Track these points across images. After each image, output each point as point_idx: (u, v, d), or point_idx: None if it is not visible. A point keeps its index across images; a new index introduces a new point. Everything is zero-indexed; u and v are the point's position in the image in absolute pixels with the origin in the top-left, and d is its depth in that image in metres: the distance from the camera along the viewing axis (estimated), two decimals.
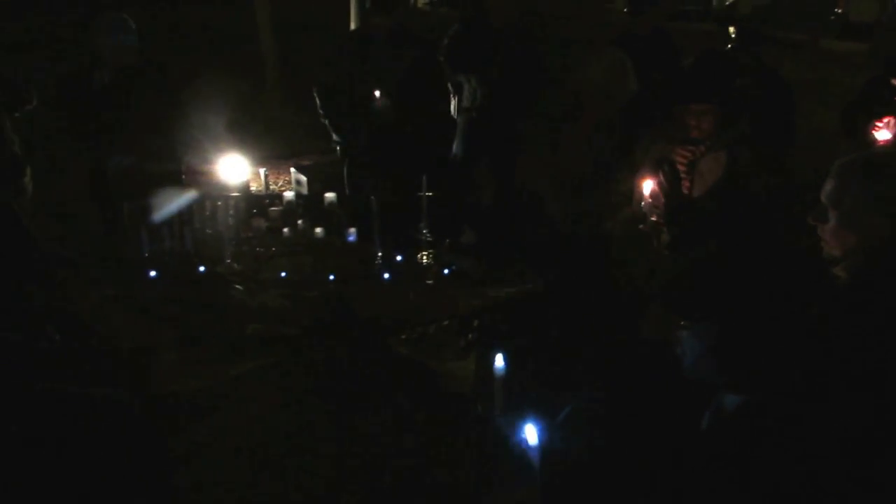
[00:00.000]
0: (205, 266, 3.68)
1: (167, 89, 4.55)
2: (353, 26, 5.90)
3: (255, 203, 4.27)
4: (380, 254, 3.70)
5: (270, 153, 6.33)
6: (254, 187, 5.03)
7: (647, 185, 2.97)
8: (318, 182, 5.16)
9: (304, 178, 5.24)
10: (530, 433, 2.28)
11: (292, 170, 5.40)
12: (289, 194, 4.10)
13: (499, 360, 2.61)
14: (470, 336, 3.47)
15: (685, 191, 2.99)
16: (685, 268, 2.74)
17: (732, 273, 2.62)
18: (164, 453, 2.91)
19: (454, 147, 4.92)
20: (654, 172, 3.00)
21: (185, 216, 3.82)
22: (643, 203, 2.99)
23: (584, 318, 3.20)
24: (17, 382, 3.10)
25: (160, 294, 3.57)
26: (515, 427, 2.46)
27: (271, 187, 5.76)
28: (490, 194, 4.04)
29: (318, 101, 4.75)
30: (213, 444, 2.93)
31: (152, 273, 3.60)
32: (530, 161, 4.09)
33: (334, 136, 4.81)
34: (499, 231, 3.90)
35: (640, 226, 2.99)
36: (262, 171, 5.14)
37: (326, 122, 4.78)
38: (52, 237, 4.19)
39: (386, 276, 3.65)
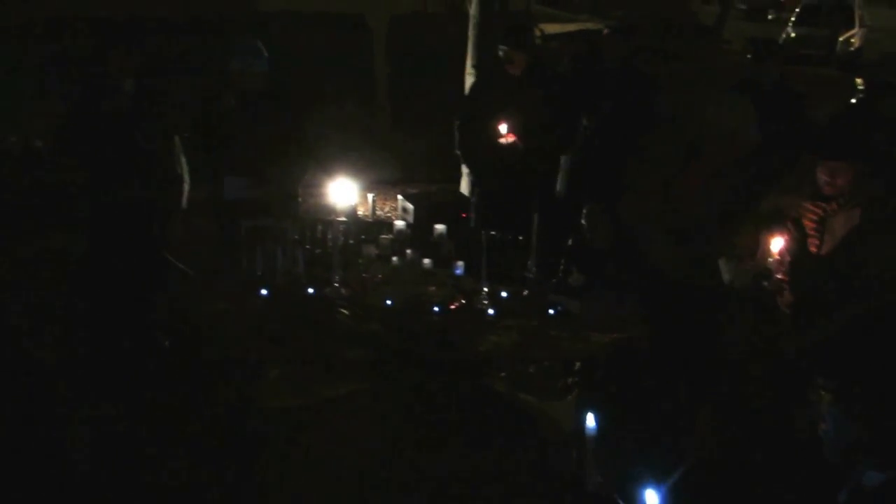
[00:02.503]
0: (314, 288, 3.76)
1: (288, 114, 4.71)
2: (469, 56, 5.95)
3: (363, 228, 4.35)
4: (486, 289, 3.69)
5: (378, 178, 6.46)
6: (361, 212, 5.14)
7: (775, 241, 2.85)
8: (424, 210, 5.23)
9: (410, 207, 5.31)
10: (651, 499, 2.17)
11: (399, 197, 5.49)
12: (399, 224, 4.16)
13: (590, 421, 2.52)
14: (570, 379, 3.41)
15: (813, 249, 2.85)
16: (832, 332, 2.59)
17: (883, 341, 2.45)
18: (260, 465, 2.99)
19: (560, 185, 4.88)
20: (780, 227, 2.88)
21: (298, 238, 3.93)
22: (768, 259, 2.87)
23: (691, 375, 3.10)
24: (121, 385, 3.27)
25: (269, 312, 3.68)
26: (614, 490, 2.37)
27: (378, 213, 5.88)
28: (600, 236, 3.96)
29: (456, 135, 4.80)
30: (306, 460, 2.98)
31: (264, 291, 3.71)
32: (639, 205, 4.01)
33: (467, 170, 4.86)
34: (607, 275, 3.83)
35: (764, 283, 2.87)
36: (370, 196, 5.25)
37: (461, 154, 4.83)
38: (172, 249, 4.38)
39: (490, 311, 3.63)
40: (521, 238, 3.90)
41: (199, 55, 5.62)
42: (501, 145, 4.42)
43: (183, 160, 4.32)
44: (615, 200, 4.23)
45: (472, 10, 5.95)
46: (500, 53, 4.55)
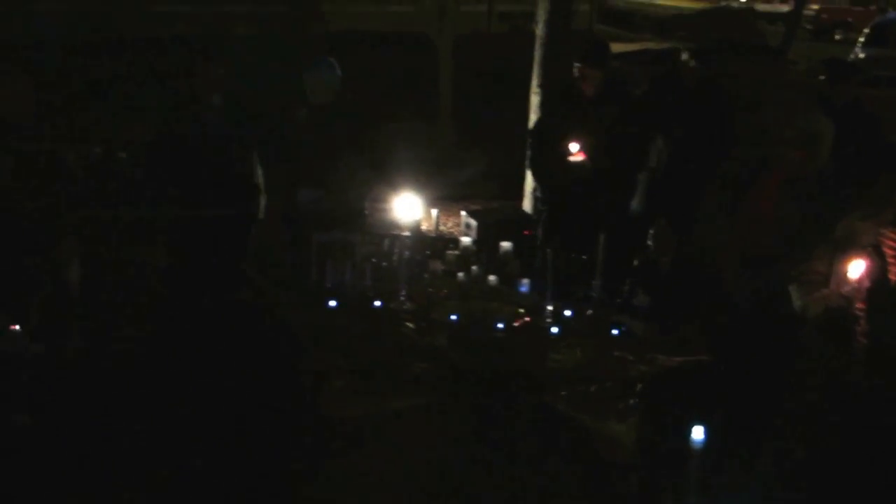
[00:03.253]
0: (380, 301, 3.83)
1: (356, 129, 4.82)
2: (535, 75, 5.99)
3: (428, 243, 4.41)
4: (550, 307, 3.70)
5: (442, 194, 6.52)
6: (424, 227, 5.20)
7: (853, 268, 2.79)
8: (487, 227, 5.27)
9: (473, 223, 5.35)
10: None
11: (463, 213, 5.54)
12: (465, 240, 4.21)
13: (697, 434, 2.49)
14: (632, 401, 3.39)
15: (893, 278, 2.78)
16: None
17: None
18: (321, 473, 3.05)
19: (633, 204, 4.87)
20: (857, 252, 2.82)
21: (366, 252, 4.01)
22: (846, 287, 2.81)
23: (761, 405, 3.05)
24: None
25: (337, 323, 3.76)
26: None
27: (441, 228, 5.95)
28: (668, 257, 3.94)
29: (528, 152, 4.85)
30: (368, 472, 3.04)
31: (332, 303, 3.79)
32: (710, 227, 3.96)
33: (538, 187, 4.90)
34: (674, 297, 3.79)
35: (839, 311, 2.81)
36: (434, 211, 5.31)
37: (532, 171, 4.87)
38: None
39: (554, 329, 3.64)
40: (586, 257, 3.90)
41: (276, 69, 5.80)
42: (570, 163, 4.44)
43: (259, 171, 4.47)
44: (685, 222, 4.20)
45: (539, 29, 5.99)
46: (575, 71, 4.57)
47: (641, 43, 17.28)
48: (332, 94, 4.64)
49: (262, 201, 4.51)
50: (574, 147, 4.43)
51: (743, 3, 22.86)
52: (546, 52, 5.90)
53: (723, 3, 21.73)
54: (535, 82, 6.01)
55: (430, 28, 7.69)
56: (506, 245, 4.12)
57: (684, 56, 4.85)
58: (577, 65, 4.57)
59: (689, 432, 2.55)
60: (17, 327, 3.20)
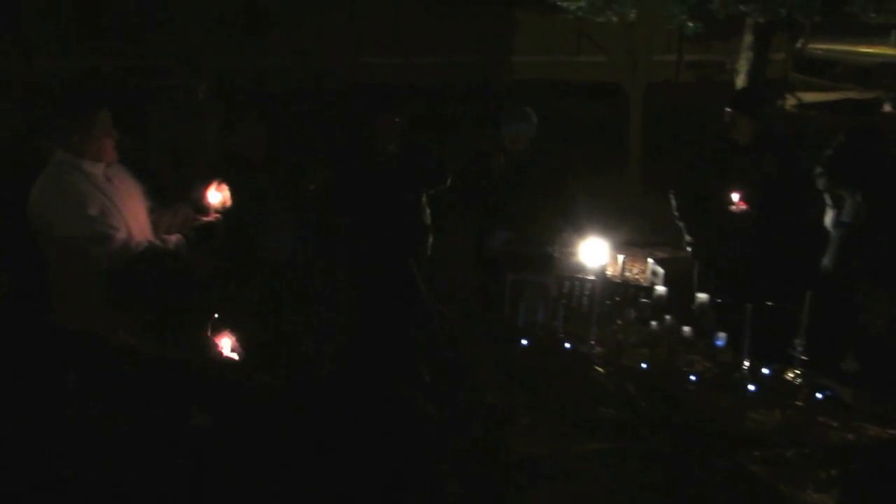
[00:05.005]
0: (570, 343, 3.89)
1: (548, 175, 4.96)
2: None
3: (618, 289, 4.42)
4: (747, 363, 3.59)
5: (628, 240, 6.52)
6: (609, 272, 5.21)
7: None
8: (675, 276, 5.19)
9: (661, 271, 5.28)
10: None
11: (650, 261, 5.49)
12: (660, 289, 4.18)
13: None
14: (834, 471, 3.20)
15: None
16: None
17: None
18: None
19: (827, 261, 4.63)
20: None
21: (558, 294, 4.10)
22: None
23: None
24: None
25: (526, 361, 3.86)
26: None
27: (626, 274, 5.92)
28: (882, 320, 3.70)
29: (673, 202, 4.82)
30: None
31: (524, 342, 3.90)
32: None
33: (686, 237, 4.84)
34: (889, 362, 3.55)
35: None
36: (620, 257, 5.31)
37: (681, 223, 4.82)
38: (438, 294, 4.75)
39: (751, 387, 3.52)
40: (789, 313, 3.75)
41: (472, 117, 6.14)
42: (732, 213, 4.35)
43: (427, 212, 4.74)
44: (891, 281, 3.94)
45: (739, 80, 5.89)
46: (727, 118, 4.50)
47: (842, 92, 16.32)
48: (527, 143, 4.82)
49: (430, 239, 4.76)
50: (735, 197, 4.34)
51: None
52: None
53: None
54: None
55: (622, 77, 7.76)
56: (702, 296, 4.05)
57: (886, 107, 4.58)
58: (728, 110, 4.49)
59: None
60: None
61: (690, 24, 6.29)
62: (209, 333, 2.03)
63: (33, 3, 10.50)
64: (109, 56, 10.20)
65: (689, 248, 4.92)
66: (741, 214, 4.44)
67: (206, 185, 3.50)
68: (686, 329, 3.84)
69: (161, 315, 1.86)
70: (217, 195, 3.46)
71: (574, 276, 4.45)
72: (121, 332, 1.96)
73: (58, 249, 3.06)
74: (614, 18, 6.76)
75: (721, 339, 3.71)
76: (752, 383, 3.53)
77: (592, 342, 3.88)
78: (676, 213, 4.87)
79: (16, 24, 10.43)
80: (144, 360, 1.87)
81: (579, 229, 4.85)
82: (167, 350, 1.91)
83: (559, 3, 6.69)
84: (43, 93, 8.71)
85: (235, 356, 2.25)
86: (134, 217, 3.26)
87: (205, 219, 3.40)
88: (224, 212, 3.48)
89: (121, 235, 3.08)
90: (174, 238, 3.28)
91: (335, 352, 4.17)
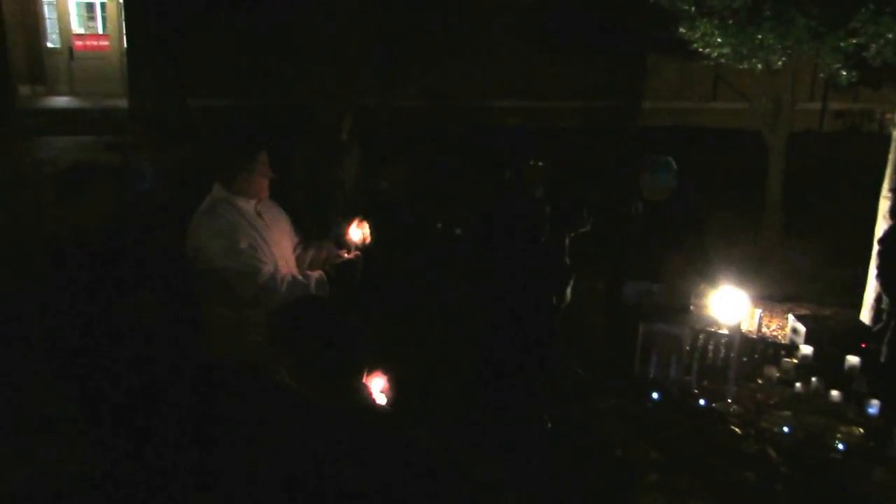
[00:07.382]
0: (705, 400, 3.73)
1: (686, 224, 4.82)
2: (887, 179, 5.53)
3: (757, 346, 4.21)
4: None
5: (765, 294, 6.21)
6: (745, 327, 4.98)
7: None
8: (819, 335, 4.88)
9: (802, 328, 5.00)
10: None
11: (790, 317, 5.20)
12: (806, 348, 3.94)
13: None
14: None
15: None
16: None
17: None
18: None
19: None
20: None
21: (692, 347, 3.95)
22: None
23: None
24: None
25: (657, 417, 3.73)
26: None
27: (763, 330, 5.62)
28: None
29: (876, 261, 4.54)
30: None
31: (655, 395, 3.78)
32: None
33: (885, 299, 4.55)
34: None
35: None
36: (757, 311, 5.05)
37: (881, 282, 4.54)
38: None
39: None
40: None
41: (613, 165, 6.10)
42: None
43: (570, 257, 4.71)
44: None
45: None
46: None
47: None
48: (668, 193, 4.71)
49: (571, 283, 4.70)
50: None
51: None
52: None
53: None
54: (886, 186, 5.53)
55: (762, 124, 7.47)
56: (852, 359, 3.78)
57: None
58: None
59: None
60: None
61: (844, 74, 5.95)
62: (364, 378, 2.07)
63: (189, 44, 11.36)
64: (255, 96, 10.87)
65: (882, 310, 4.64)
66: None
67: (348, 222, 3.60)
68: (835, 393, 3.59)
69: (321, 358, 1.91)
70: (358, 232, 3.55)
71: (709, 329, 4.27)
72: (283, 369, 2.01)
73: (211, 282, 3.23)
74: (759, 66, 6.51)
75: (874, 406, 3.45)
76: None
77: (729, 400, 3.70)
78: (878, 272, 4.60)
79: (175, 65, 11.30)
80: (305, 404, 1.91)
81: (715, 279, 4.67)
82: (323, 394, 1.96)
83: (700, 50, 6.52)
84: (194, 130, 9.35)
85: (384, 398, 2.28)
86: (281, 252, 3.40)
87: (346, 255, 3.49)
88: (363, 249, 3.56)
89: (268, 269, 3.22)
90: (316, 274, 3.38)
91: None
